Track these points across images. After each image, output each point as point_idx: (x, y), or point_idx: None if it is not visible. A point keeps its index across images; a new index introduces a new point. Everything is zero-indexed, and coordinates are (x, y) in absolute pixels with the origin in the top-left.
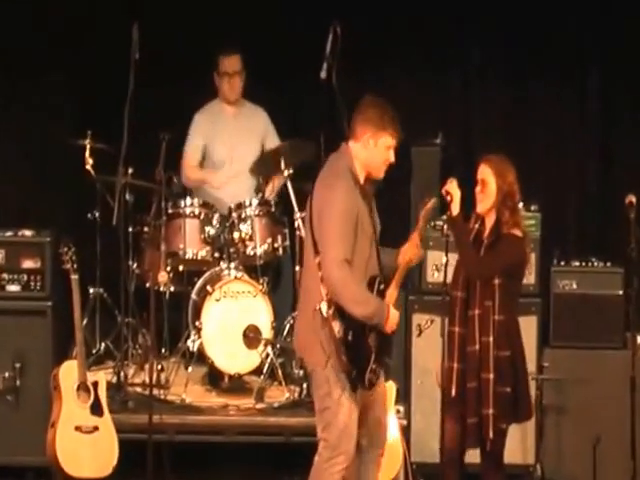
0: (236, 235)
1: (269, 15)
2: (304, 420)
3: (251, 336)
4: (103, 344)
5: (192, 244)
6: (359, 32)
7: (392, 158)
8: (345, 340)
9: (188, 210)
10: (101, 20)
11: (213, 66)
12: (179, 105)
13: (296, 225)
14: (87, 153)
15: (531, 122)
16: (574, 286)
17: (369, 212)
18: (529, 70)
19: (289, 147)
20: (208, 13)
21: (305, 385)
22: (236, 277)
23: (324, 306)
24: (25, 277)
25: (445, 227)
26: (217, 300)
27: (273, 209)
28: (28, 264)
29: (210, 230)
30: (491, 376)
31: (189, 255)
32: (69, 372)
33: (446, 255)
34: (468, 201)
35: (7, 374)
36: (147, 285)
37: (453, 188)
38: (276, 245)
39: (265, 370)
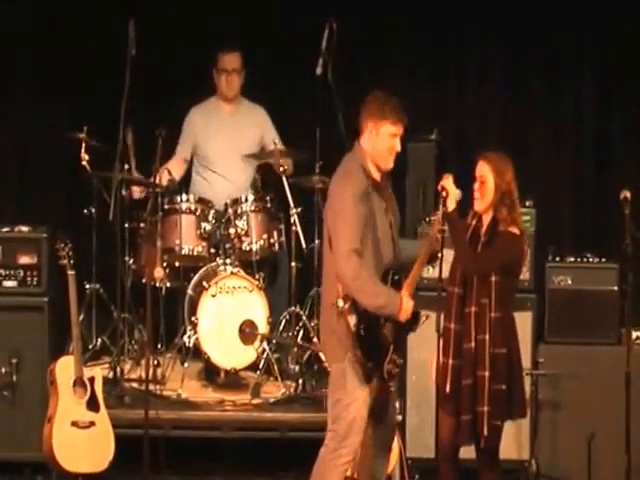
0: (232, 231)
1: (266, 12)
2: (300, 415)
3: (247, 331)
4: (99, 339)
5: (188, 240)
6: (355, 29)
7: (397, 146)
8: (360, 333)
9: (184, 206)
10: (98, 16)
11: (211, 62)
12: (176, 101)
13: (292, 221)
14: (83, 149)
15: (526, 118)
16: (569, 282)
17: (385, 207)
18: (525, 67)
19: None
20: (205, 9)
21: (301, 381)
22: (232, 273)
23: (340, 302)
24: (22, 273)
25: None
26: (213, 296)
27: (269, 205)
28: (25, 260)
29: (206, 226)
30: (486, 373)
31: (185, 251)
32: (65, 367)
33: (441, 251)
34: (464, 197)
35: (3, 370)
36: (143, 281)
37: (449, 184)
38: (272, 241)
39: (261, 365)
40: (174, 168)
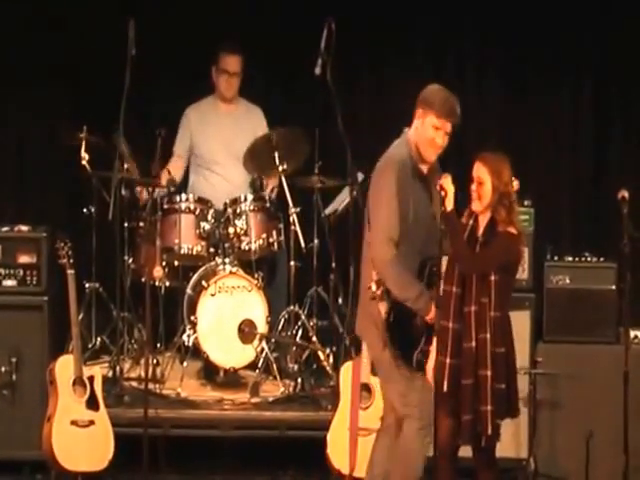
0: (231, 230)
1: (264, 11)
2: (299, 414)
3: (246, 331)
4: (99, 339)
5: (187, 239)
6: (354, 29)
7: (439, 140)
8: (389, 320)
9: (183, 205)
10: (97, 16)
11: (210, 61)
12: (175, 101)
13: (291, 220)
14: (83, 149)
15: (525, 118)
16: (567, 281)
17: (429, 198)
18: (524, 67)
19: (278, 135)
20: (205, 9)
21: (300, 380)
22: (231, 272)
23: (373, 286)
24: (21, 272)
25: None
26: (212, 295)
27: (268, 204)
28: (24, 259)
29: (205, 225)
30: (489, 373)
31: (184, 250)
32: (65, 367)
33: None
34: (462, 197)
35: (3, 369)
36: (143, 280)
37: (447, 183)
38: (271, 240)
39: (260, 364)
40: (173, 168)
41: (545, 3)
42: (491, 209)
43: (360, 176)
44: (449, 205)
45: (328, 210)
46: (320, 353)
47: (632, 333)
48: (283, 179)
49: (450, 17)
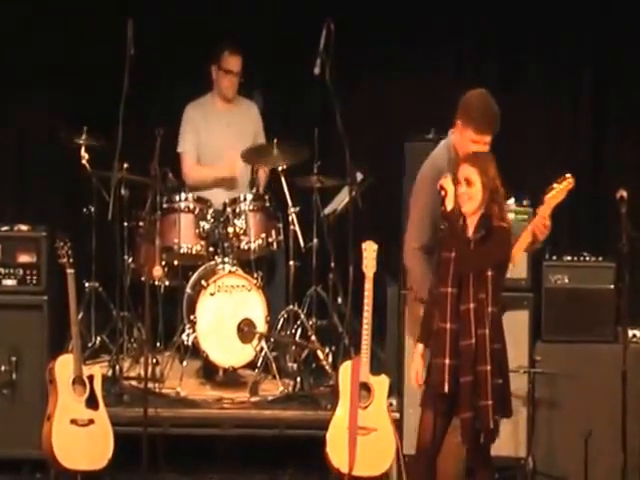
0: (230, 230)
1: (264, 11)
2: (298, 413)
3: (245, 330)
4: (98, 338)
5: (187, 239)
6: (353, 29)
7: (476, 149)
8: None
9: (183, 205)
10: (97, 16)
11: (208, 61)
12: (174, 100)
13: (290, 220)
14: (83, 149)
15: (523, 118)
16: (566, 280)
17: None
18: (522, 68)
19: (282, 147)
20: (203, 9)
21: (299, 379)
22: (230, 271)
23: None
24: (21, 272)
25: None
26: (212, 294)
27: (267, 204)
28: (24, 259)
29: (205, 225)
30: (488, 368)
31: (184, 250)
32: (65, 366)
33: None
34: None
35: (3, 368)
36: (142, 279)
37: (447, 183)
38: (270, 240)
39: (259, 364)
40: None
41: (543, 2)
42: (484, 206)
43: (359, 176)
44: (449, 205)
45: (327, 210)
46: (319, 352)
47: (630, 332)
48: (283, 178)
49: (449, 17)
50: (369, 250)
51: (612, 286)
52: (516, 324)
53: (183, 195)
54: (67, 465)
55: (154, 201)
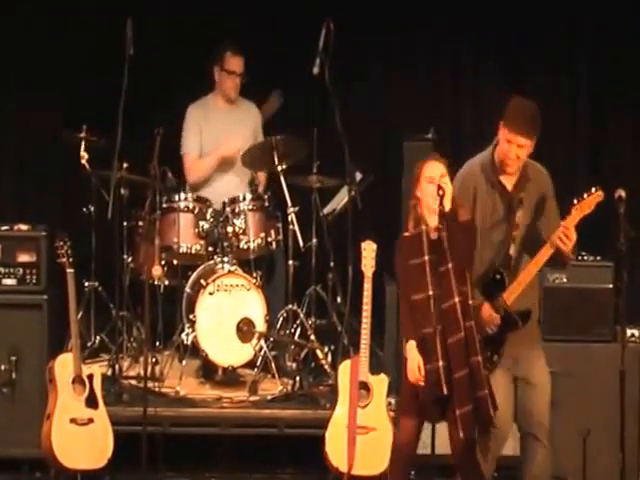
0: (230, 229)
1: (262, 11)
2: (297, 412)
3: (245, 329)
4: (98, 337)
5: (186, 238)
6: (352, 29)
7: (511, 154)
8: None
9: (182, 204)
10: (96, 16)
11: (209, 61)
12: (173, 100)
13: (289, 219)
14: (82, 148)
15: None
16: (564, 280)
17: (502, 210)
18: (520, 67)
19: (281, 142)
20: (202, 9)
21: (298, 378)
22: (230, 271)
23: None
24: (21, 271)
25: None
26: (211, 294)
27: (267, 204)
28: (24, 258)
29: (204, 224)
30: (479, 358)
31: (183, 249)
32: (64, 365)
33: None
34: None
35: (3, 367)
36: (142, 279)
37: (446, 184)
38: (269, 239)
39: (259, 363)
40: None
41: (544, 3)
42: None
43: (358, 175)
44: (447, 205)
45: (326, 209)
46: (318, 352)
47: (629, 332)
48: (282, 178)
49: (449, 17)
50: (368, 250)
51: (610, 285)
52: None
53: (182, 195)
54: (67, 464)
55: (153, 201)
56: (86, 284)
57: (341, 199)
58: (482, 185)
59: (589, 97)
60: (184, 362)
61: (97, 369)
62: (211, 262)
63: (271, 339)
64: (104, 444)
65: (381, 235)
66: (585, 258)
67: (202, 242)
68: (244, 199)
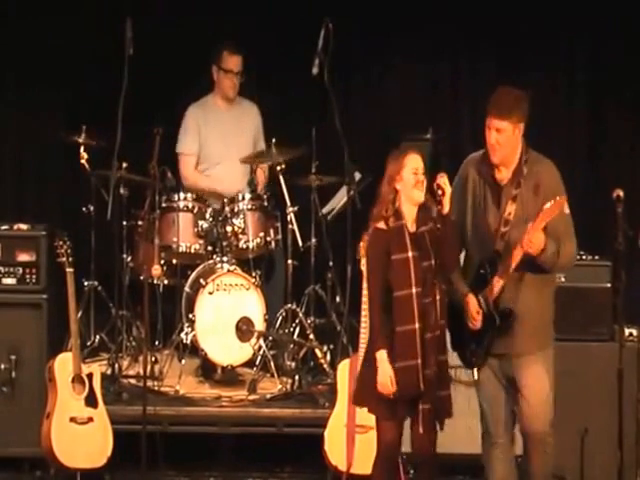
0: (229, 229)
1: (262, 11)
2: (296, 411)
3: (244, 329)
4: (98, 336)
5: (185, 238)
6: (351, 29)
7: (490, 138)
8: None
9: (182, 204)
10: (96, 16)
11: (208, 61)
12: (173, 100)
13: (288, 219)
14: (82, 148)
15: None
16: (562, 279)
17: (493, 205)
18: (518, 67)
19: (280, 151)
20: (202, 9)
21: (297, 377)
22: (229, 270)
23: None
24: (20, 270)
25: None
26: (210, 293)
27: (266, 203)
28: (23, 257)
29: (203, 224)
30: (447, 357)
31: (182, 248)
32: (64, 364)
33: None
34: None
35: (3, 366)
36: (141, 278)
37: (444, 183)
38: (268, 239)
39: (258, 362)
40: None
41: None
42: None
43: (357, 175)
44: (446, 206)
45: (326, 209)
46: (317, 351)
47: (627, 331)
48: (281, 178)
49: (448, 17)
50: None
51: (609, 285)
52: None
53: (182, 194)
54: (66, 463)
55: (153, 200)
56: (86, 283)
57: (340, 199)
58: (474, 176)
59: (587, 97)
60: (183, 361)
61: (97, 368)
62: (210, 261)
63: (270, 338)
64: (104, 443)
65: None
66: (583, 257)
67: (201, 241)
68: (243, 199)
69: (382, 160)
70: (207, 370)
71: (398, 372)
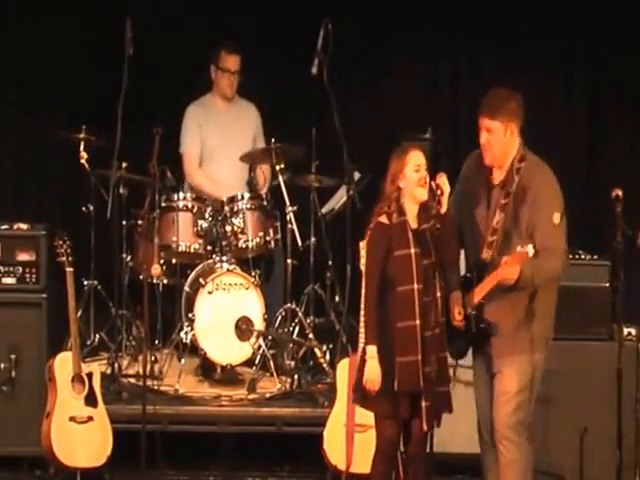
0: (228, 228)
1: (262, 11)
2: (295, 410)
3: (243, 328)
4: (97, 336)
5: (185, 237)
6: (351, 29)
7: (481, 138)
8: None
9: (181, 204)
10: (96, 16)
11: (206, 59)
12: (172, 99)
13: (288, 219)
14: (82, 147)
15: None
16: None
17: (482, 204)
18: (517, 67)
19: (279, 149)
20: (201, 9)
21: (296, 376)
22: (228, 270)
23: None
24: (20, 270)
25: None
26: (210, 292)
27: (265, 203)
28: (23, 257)
29: (203, 223)
30: (447, 354)
31: (182, 248)
32: (64, 363)
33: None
34: None
35: (2, 365)
36: (141, 277)
37: (444, 183)
38: (268, 238)
39: (257, 361)
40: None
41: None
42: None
43: (357, 175)
44: (445, 205)
45: (325, 209)
46: (317, 350)
47: (625, 330)
48: (280, 177)
49: (447, 17)
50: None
51: (607, 284)
52: None
53: (181, 194)
54: (66, 462)
55: (153, 200)
56: (85, 283)
57: (339, 198)
58: (472, 173)
59: (586, 97)
60: (183, 360)
61: (96, 367)
62: (210, 261)
63: (269, 338)
64: (103, 442)
65: None
66: (582, 257)
67: (201, 241)
68: (242, 198)
69: (381, 160)
70: (207, 369)
71: (398, 367)
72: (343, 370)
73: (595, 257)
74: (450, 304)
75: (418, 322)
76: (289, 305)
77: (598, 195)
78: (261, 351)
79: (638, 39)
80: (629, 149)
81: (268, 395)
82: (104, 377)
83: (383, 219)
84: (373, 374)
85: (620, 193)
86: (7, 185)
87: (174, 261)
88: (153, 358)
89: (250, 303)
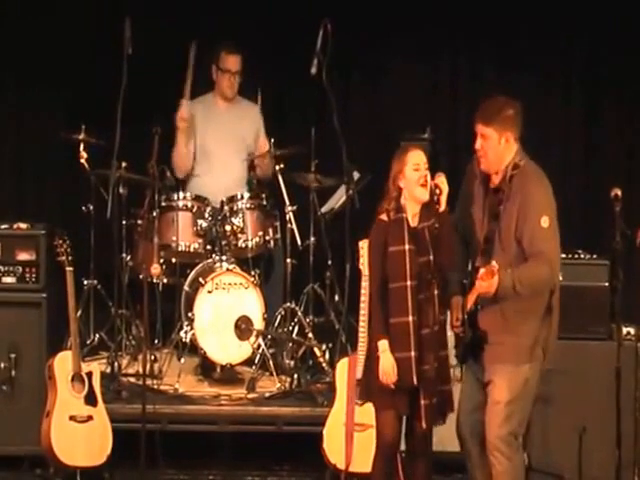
0: (228, 228)
1: (262, 11)
2: (295, 410)
3: (243, 327)
4: (97, 335)
5: (185, 237)
6: (350, 29)
7: (476, 144)
8: None
9: (181, 203)
10: (95, 16)
11: (206, 59)
12: (172, 99)
13: (287, 218)
14: (81, 147)
15: None
16: (560, 278)
17: (479, 207)
18: (516, 67)
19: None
20: (201, 9)
21: (296, 376)
22: (228, 269)
23: None
24: (20, 269)
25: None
26: (209, 292)
27: (265, 202)
28: (23, 256)
29: (202, 223)
30: (447, 352)
31: (182, 247)
32: (64, 363)
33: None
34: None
35: (2, 365)
36: (140, 277)
37: (443, 183)
38: (267, 238)
39: (256, 361)
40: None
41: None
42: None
43: (356, 174)
44: (443, 205)
45: (324, 208)
46: (316, 349)
47: (624, 329)
48: (280, 177)
49: (446, 17)
50: (365, 248)
51: (606, 283)
52: None
53: (181, 193)
54: (66, 461)
55: (152, 199)
56: (85, 282)
57: (339, 198)
58: (476, 173)
59: (585, 96)
60: (182, 360)
61: (96, 367)
62: (209, 260)
63: (269, 337)
64: (103, 441)
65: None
66: (581, 256)
67: (200, 240)
68: (242, 198)
69: (381, 160)
70: (206, 369)
71: (397, 363)
72: (342, 369)
73: (594, 257)
74: (450, 309)
75: (411, 318)
76: (288, 304)
77: (597, 195)
78: (261, 350)
79: (638, 39)
80: (628, 149)
81: (268, 394)
82: (104, 376)
83: (383, 217)
84: (388, 367)
85: (619, 193)
86: (7, 185)
87: (174, 260)
88: (153, 357)
89: (250, 302)
